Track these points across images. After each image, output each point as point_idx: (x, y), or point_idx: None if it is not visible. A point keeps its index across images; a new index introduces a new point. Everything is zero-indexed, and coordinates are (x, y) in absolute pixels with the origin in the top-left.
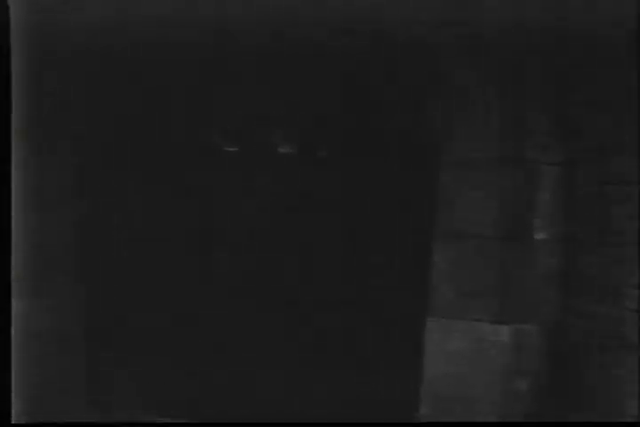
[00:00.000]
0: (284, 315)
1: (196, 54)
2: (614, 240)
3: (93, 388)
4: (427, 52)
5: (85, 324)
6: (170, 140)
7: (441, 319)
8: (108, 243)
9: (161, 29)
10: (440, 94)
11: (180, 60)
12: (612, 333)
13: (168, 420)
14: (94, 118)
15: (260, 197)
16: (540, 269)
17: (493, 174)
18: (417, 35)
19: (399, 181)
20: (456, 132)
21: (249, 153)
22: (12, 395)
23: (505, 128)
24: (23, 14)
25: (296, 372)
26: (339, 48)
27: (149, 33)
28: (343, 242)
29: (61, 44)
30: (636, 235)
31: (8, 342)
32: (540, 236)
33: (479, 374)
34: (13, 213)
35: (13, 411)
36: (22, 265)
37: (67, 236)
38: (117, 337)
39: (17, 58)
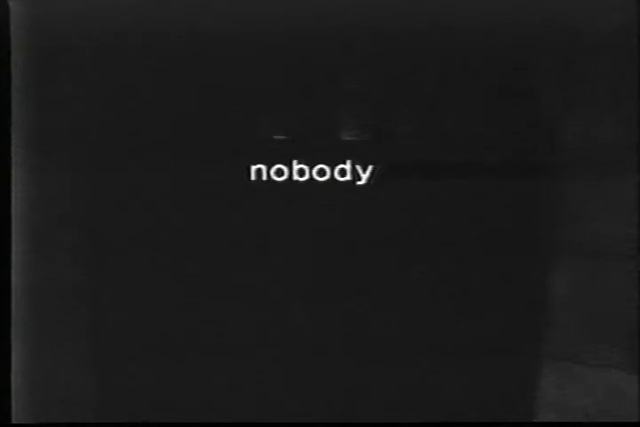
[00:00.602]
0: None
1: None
2: None
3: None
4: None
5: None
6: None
7: (560, 363)
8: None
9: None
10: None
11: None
12: None
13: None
14: (99, 119)
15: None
16: None
17: (629, 177)
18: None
19: (502, 186)
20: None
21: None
22: (12, 395)
23: None
24: (23, 12)
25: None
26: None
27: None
28: (432, 261)
29: (62, 42)
30: None
31: (8, 341)
32: None
33: None
34: (14, 213)
35: (13, 411)
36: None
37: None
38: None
39: (17, 57)
